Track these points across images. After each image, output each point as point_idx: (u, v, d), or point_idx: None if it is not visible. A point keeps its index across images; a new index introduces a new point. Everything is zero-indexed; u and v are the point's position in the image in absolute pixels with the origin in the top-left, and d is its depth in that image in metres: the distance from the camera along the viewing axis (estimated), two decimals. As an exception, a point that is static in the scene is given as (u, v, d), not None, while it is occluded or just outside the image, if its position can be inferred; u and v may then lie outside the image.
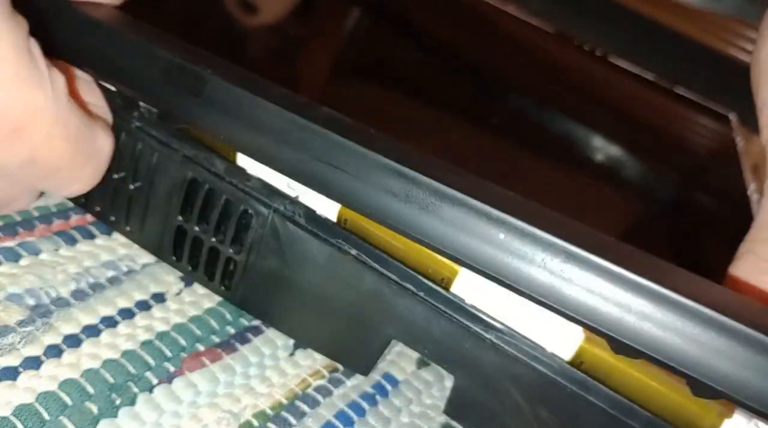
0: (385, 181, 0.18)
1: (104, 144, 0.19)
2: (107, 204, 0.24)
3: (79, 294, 0.22)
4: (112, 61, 0.21)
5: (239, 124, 0.19)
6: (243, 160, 0.21)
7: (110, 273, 0.24)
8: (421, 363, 0.25)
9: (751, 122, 0.41)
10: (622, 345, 0.17)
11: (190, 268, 0.24)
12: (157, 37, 0.20)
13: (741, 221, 0.31)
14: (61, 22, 0.21)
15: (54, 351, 0.20)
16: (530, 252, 0.17)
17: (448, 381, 0.25)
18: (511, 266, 0.17)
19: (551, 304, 0.17)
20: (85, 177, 0.20)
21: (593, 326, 0.17)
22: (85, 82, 0.21)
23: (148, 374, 0.21)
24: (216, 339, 0.23)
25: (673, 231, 0.29)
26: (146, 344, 0.22)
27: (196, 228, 0.23)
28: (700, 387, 0.17)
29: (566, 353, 0.19)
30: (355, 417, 0.22)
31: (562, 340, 0.19)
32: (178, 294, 0.24)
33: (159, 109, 0.21)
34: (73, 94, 0.18)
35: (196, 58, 0.20)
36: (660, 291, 0.16)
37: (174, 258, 0.24)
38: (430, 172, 0.18)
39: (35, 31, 0.18)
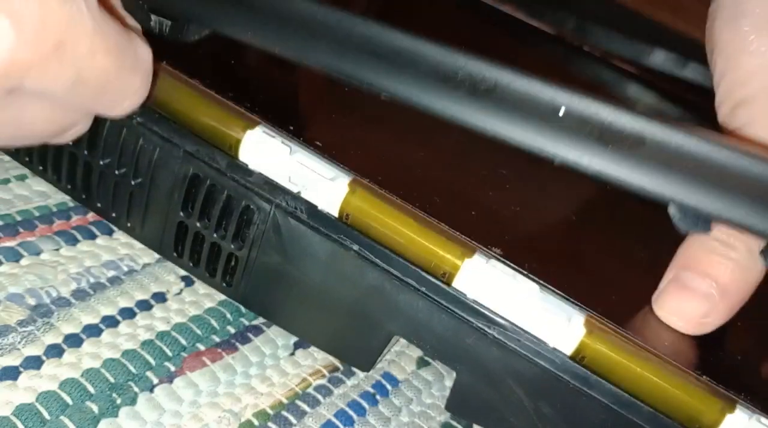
0: (435, 64, 0.18)
1: (144, 53, 0.19)
2: (108, 200, 0.24)
3: (79, 294, 0.22)
4: None
5: (274, 18, 0.19)
6: (245, 156, 0.21)
7: (111, 273, 0.24)
8: (421, 363, 0.25)
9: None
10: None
11: (191, 265, 0.24)
12: None
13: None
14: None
15: (55, 351, 0.20)
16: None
17: (448, 381, 0.25)
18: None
19: (614, 176, 0.17)
20: (134, 89, 0.19)
21: (659, 194, 0.17)
22: None
23: (149, 373, 0.21)
24: (216, 339, 0.23)
25: (672, 232, 0.29)
26: (147, 343, 0.22)
27: (198, 224, 0.23)
28: None
29: (568, 348, 0.19)
30: (355, 417, 0.22)
31: (563, 335, 0.19)
32: (178, 293, 0.24)
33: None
34: (103, 4, 0.17)
35: None
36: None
37: (175, 254, 0.24)
38: (479, 55, 0.17)
39: None
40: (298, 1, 0.19)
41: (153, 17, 0.21)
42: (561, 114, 0.17)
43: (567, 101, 0.17)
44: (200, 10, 0.20)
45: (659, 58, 0.45)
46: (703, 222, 0.18)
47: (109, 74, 0.17)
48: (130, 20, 0.21)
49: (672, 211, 0.18)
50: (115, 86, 0.18)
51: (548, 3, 0.46)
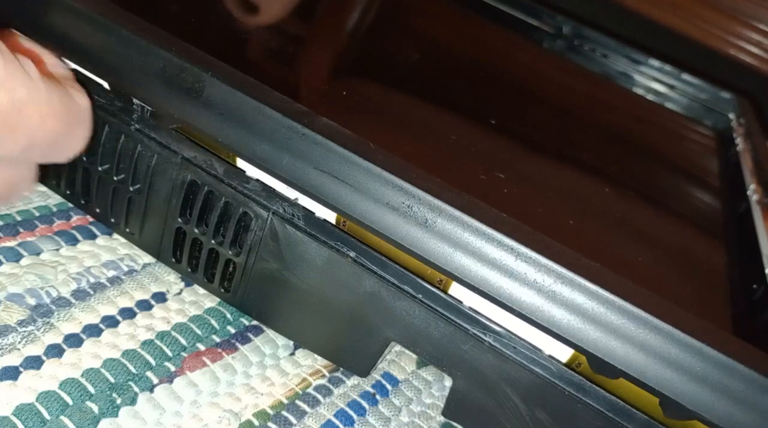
0: (386, 194, 0.18)
1: (82, 100, 0.20)
2: (107, 206, 0.24)
3: (79, 294, 0.22)
4: (109, 57, 0.21)
5: (238, 127, 0.20)
6: (242, 163, 0.21)
7: (111, 273, 0.24)
8: (421, 363, 0.25)
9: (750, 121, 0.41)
10: (599, 364, 0.18)
11: (189, 270, 0.24)
12: (156, 34, 0.21)
13: (740, 221, 0.31)
14: (52, 12, 0.21)
15: (55, 351, 0.20)
16: (523, 271, 0.18)
17: (448, 381, 0.25)
18: (503, 283, 0.18)
19: (540, 323, 0.18)
20: (80, 138, 0.20)
21: (577, 345, 0.18)
22: (35, 46, 0.21)
23: (149, 373, 0.21)
24: (217, 339, 0.23)
25: (672, 231, 0.29)
26: (147, 343, 0.22)
27: (196, 230, 0.23)
28: (671, 407, 0.17)
29: (563, 355, 0.19)
30: (355, 417, 0.22)
31: (559, 342, 0.19)
32: (178, 293, 0.24)
33: (154, 108, 0.21)
34: (40, 69, 0.18)
35: (197, 58, 0.20)
36: (644, 316, 0.17)
37: (174, 260, 0.24)
38: (432, 188, 0.18)
39: (17, 14, 0.18)
40: (267, 113, 0.19)
41: (135, 101, 0.21)
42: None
43: (501, 245, 0.18)
44: (173, 109, 0.20)
45: (658, 58, 0.45)
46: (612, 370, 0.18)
47: (59, 132, 0.18)
48: (62, 68, 0.21)
49: None
50: (63, 140, 0.19)
51: (549, 3, 0.46)
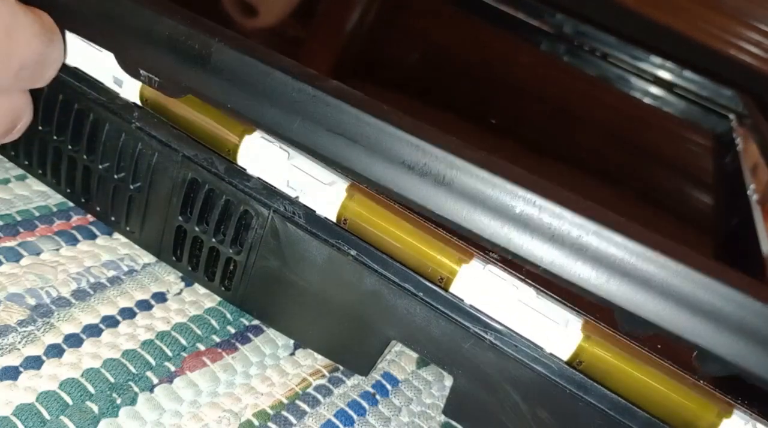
0: (403, 153, 0.18)
1: (50, 21, 0.21)
2: (107, 204, 0.24)
3: (79, 294, 0.22)
4: (114, 27, 0.21)
5: (247, 93, 0.19)
6: (243, 160, 0.21)
7: (111, 273, 0.24)
8: (421, 363, 0.25)
9: (751, 121, 0.41)
10: (631, 319, 0.17)
11: (190, 269, 0.24)
12: (161, 3, 0.20)
13: (741, 221, 0.31)
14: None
15: (55, 351, 0.20)
16: (548, 225, 0.17)
17: (448, 381, 0.25)
18: (527, 240, 0.17)
19: (567, 278, 0.17)
20: (59, 53, 0.21)
21: (607, 300, 0.17)
22: None
23: (149, 373, 0.21)
24: (216, 339, 0.23)
25: (672, 231, 0.29)
26: (147, 343, 0.22)
27: (196, 229, 0.23)
28: (709, 361, 0.17)
29: (565, 353, 0.19)
30: (355, 417, 0.22)
31: (560, 340, 0.19)
32: (178, 293, 0.24)
33: (162, 78, 0.21)
34: None
35: (204, 25, 0.20)
36: (677, 267, 0.16)
37: (174, 258, 0.24)
38: (449, 145, 0.18)
39: None
40: (276, 77, 0.19)
41: (142, 72, 0.21)
42: (517, 211, 0.17)
43: (523, 199, 0.17)
44: (181, 76, 0.20)
45: (659, 58, 0.45)
46: (644, 325, 0.17)
47: (42, 53, 0.20)
48: None
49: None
50: (46, 61, 0.21)
51: (549, 2, 0.46)
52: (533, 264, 0.17)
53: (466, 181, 0.17)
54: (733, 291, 0.16)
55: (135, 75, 0.21)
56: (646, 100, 0.45)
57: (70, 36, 0.22)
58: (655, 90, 0.45)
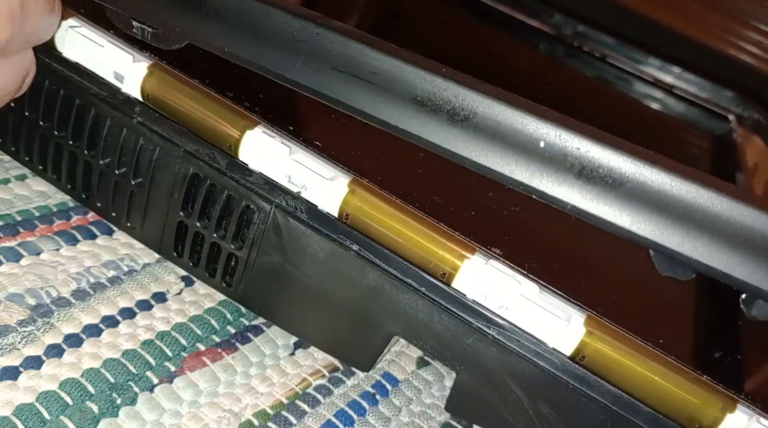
0: (414, 89, 0.17)
1: None
2: (108, 200, 0.24)
3: (79, 294, 0.22)
4: None
5: (246, 35, 0.19)
6: (245, 155, 0.21)
7: (111, 273, 0.24)
8: (422, 363, 0.25)
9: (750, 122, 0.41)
10: (668, 263, 0.16)
11: (191, 265, 0.24)
12: None
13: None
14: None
15: (55, 351, 0.20)
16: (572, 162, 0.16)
17: (448, 381, 0.25)
18: (551, 178, 0.16)
19: (596, 215, 0.16)
20: (55, 21, 0.21)
21: (643, 238, 0.16)
22: None
23: (149, 373, 0.21)
24: (216, 339, 0.23)
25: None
26: (147, 343, 0.22)
27: (198, 224, 0.23)
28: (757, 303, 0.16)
29: (567, 348, 0.19)
30: (355, 417, 0.22)
31: (563, 335, 0.19)
32: (178, 293, 0.24)
33: (156, 27, 0.21)
34: None
35: None
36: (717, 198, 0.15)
37: (175, 254, 0.24)
38: (463, 80, 0.17)
39: None
40: (277, 16, 0.18)
41: (135, 24, 0.21)
42: (542, 145, 0.16)
43: (547, 133, 0.16)
44: (176, 22, 0.20)
45: (659, 58, 0.45)
46: (684, 267, 0.16)
47: (45, 5, 0.20)
48: None
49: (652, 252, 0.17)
50: (47, 14, 0.20)
51: (548, 3, 0.46)
52: (561, 202, 0.16)
53: (486, 115, 0.16)
54: None
55: (127, 27, 0.21)
56: (645, 102, 0.45)
57: (71, 32, 0.22)
58: (654, 91, 0.45)
